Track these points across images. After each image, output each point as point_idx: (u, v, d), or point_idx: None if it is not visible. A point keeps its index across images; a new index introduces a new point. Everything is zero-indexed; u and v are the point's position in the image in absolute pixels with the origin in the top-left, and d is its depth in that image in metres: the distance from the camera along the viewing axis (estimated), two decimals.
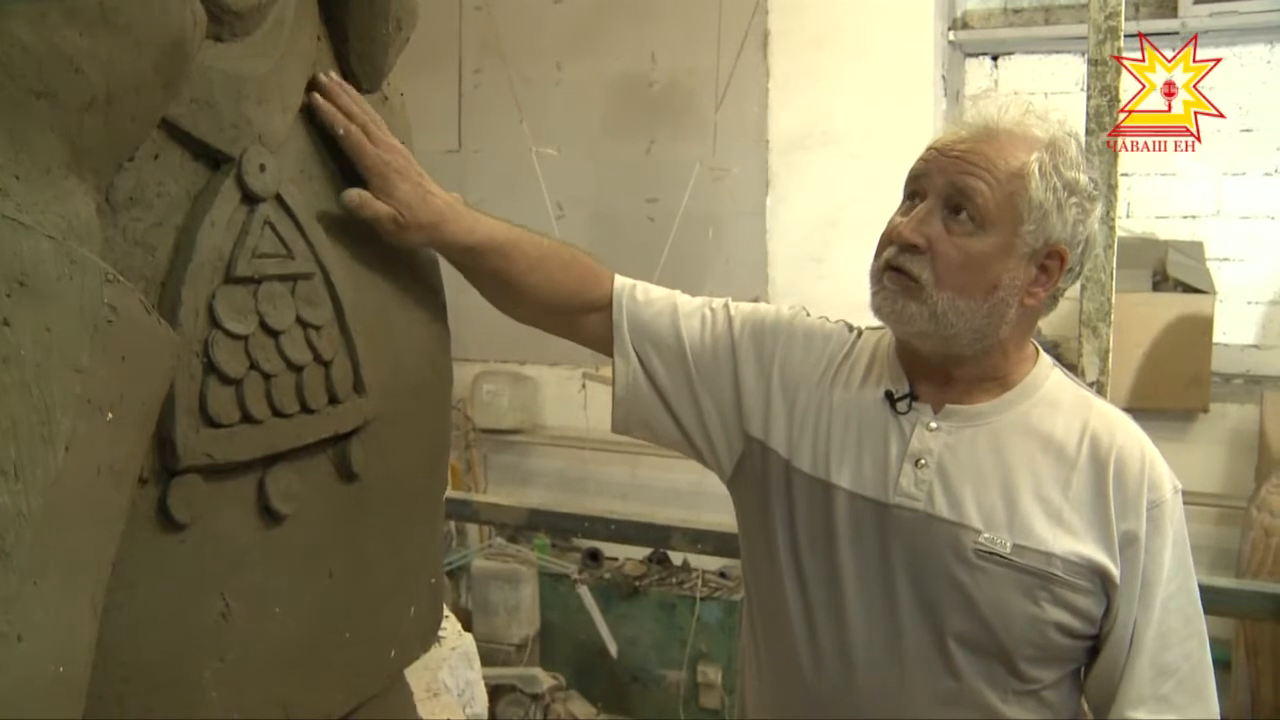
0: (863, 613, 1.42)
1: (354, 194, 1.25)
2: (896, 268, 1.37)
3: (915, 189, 1.40)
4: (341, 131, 1.23)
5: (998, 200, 1.34)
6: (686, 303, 1.62)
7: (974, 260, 1.35)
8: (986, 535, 1.36)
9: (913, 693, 1.40)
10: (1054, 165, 1.36)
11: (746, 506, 1.59)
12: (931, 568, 1.38)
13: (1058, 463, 1.40)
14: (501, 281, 1.52)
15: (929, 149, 1.40)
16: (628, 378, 1.59)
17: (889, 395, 1.46)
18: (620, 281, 1.60)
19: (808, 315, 1.62)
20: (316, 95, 1.22)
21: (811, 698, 1.47)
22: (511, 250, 1.49)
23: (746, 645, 1.63)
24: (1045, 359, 1.48)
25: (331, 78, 1.24)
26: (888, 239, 1.41)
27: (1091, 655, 1.42)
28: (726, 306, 1.62)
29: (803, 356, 1.55)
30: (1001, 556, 1.35)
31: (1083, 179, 1.38)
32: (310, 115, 1.22)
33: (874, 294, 1.41)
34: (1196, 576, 1.42)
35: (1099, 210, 1.42)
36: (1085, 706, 1.49)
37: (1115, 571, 1.36)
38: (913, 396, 1.45)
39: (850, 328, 1.59)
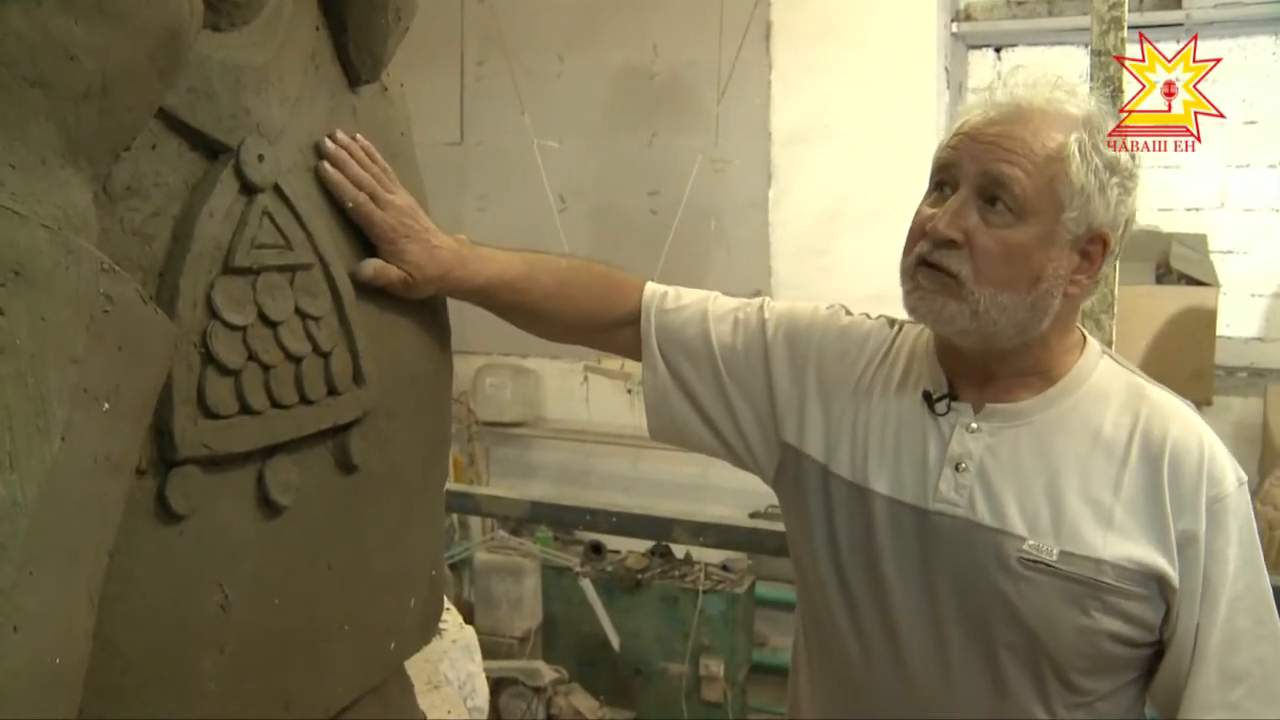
0: (910, 619, 1.36)
1: (368, 267, 1.27)
2: (932, 264, 1.30)
3: (944, 178, 1.32)
4: (351, 205, 1.24)
5: (1037, 187, 1.26)
6: (719, 306, 1.58)
7: (1015, 252, 1.27)
8: (1031, 543, 1.29)
9: (961, 702, 1.35)
10: (1093, 144, 1.28)
11: (789, 511, 1.54)
12: (974, 577, 1.32)
13: (1108, 460, 1.31)
14: (520, 312, 1.52)
15: (957, 134, 1.32)
16: (656, 388, 1.56)
17: (927, 396, 1.40)
18: (650, 290, 1.57)
19: (848, 314, 1.55)
20: (326, 166, 1.21)
21: (866, 701, 1.42)
22: (523, 283, 1.49)
23: (799, 647, 1.58)
24: (1094, 346, 1.41)
25: (340, 139, 1.23)
26: (918, 232, 1.32)
27: (1157, 660, 1.33)
28: (761, 309, 1.56)
29: (838, 359, 1.49)
30: (1047, 565, 1.28)
31: (1123, 156, 1.30)
32: (310, 105, 1.21)
33: (908, 293, 1.33)
34: None
35: (1139, 188, 1.34)
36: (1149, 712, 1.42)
37: (1173, 574, 1.27)
38: (952, 396, 1.38)
39: (891, 323, 1.52)
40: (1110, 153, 1.29)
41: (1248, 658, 1.29)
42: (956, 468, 1.35)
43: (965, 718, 1.36)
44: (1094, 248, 1.31)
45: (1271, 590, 1.32)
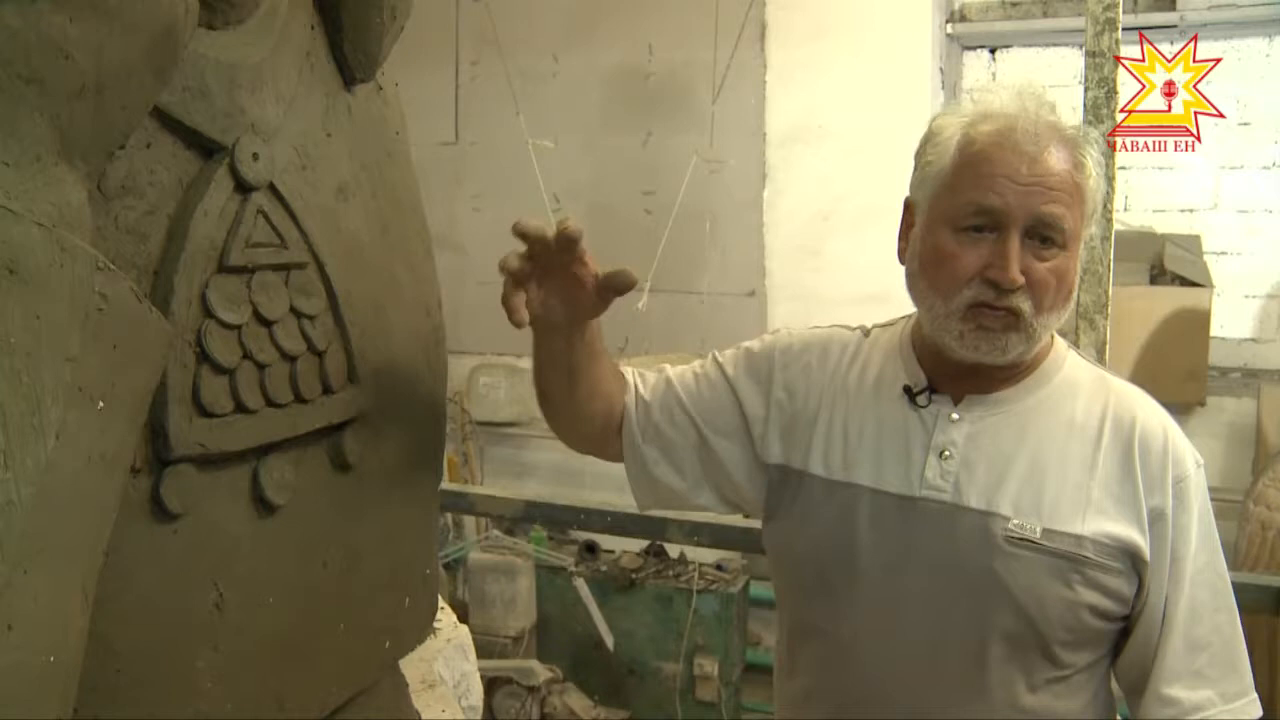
0: (896, 604, 1.41)
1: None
2: (997, 307, 1.35)
3: (988, 222, 1.34)
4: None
5: (1074, 218, 1.35)
6: (675, 370, 1.63)
7: (1063, 279, 1.36)
8: (1016, 522, 1.36)
9: (947, 679, 1.39)
10: (1098, 157, 1.37)
11: (776, 535, 1.57)
12: (963, 557, 1.37)
13: (1082, 444, 1.39)
14: (569, 393, 1.53)
15: (998, 177, 1.33)
16: (637, 459, 1.59)
17: (908, 390, 1.45)
18: (629, 377, 1.61)
19: (792, 331, 1.61)
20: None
21: (853, 684, 1.46)
22: (606, 365, 1.54)
23: (779, 659, 1.62)
24: (1060, 342, 1.48)
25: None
26: (964, 276, 1.35)
27: (1123, 636, 1.41)
28: (713, 358, 1.62)
29: (803, 371, 1.54)
30: (1032, 542, 1.35)
31: (1104, 149, 1.42)
32: (304, 104, 1.21)
33: (966, 333, 1.36)
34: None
35: None
36: (1115, 687, 1.49)
37: (1146, 549, 1.35)
38: (931, 389, 1.44)
39: (851, 329, 1.58)
40: (1101, 153, 1.39)
41: (1208, 627, 1.38)
42: (941, 455, 1.41)
43: (950, 693, 1.40)
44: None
45: (1225, 564, 1.42)
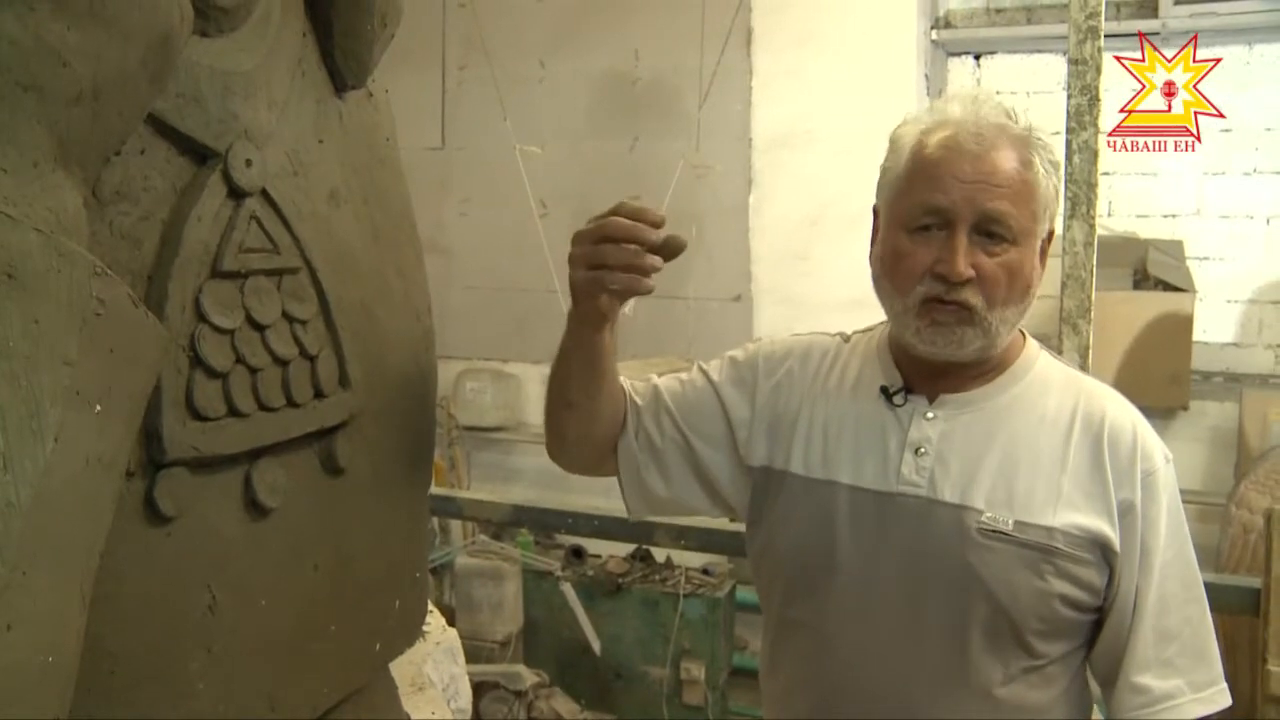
0: (874, 598, 1.44)
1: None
2: (946, 301, 1.38)
3: (937, 221, 1.38)
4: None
5: (1023, 214, 1.38)
6: (663, 378, 1.66)
7: (1015, 274, 1.38)
8: (989, 515, 1.39)
9: (926, 669, 1.42)
10: (1048, 159, 1.40)
11: (759, 537, 1.59)
12: (938, 549, 1.41)
13: (1053, 439, 1.43)
14: (594, 392, 1.54)
15: (944, 177, 1.38)
16: (629, 462, 1.61)
17: (884, 390, 1.49)
18: (629, 389, 1.62)
19: (774, 339, 1.65)
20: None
21: (836, 678, 1.48)
22: (614, 369, 1.54)
23: (763, 658, 1.64)
24: (1032, 342, 1.52)
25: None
26: (917, 273, 1.39)
27: (1097, 629, 1.44)
28: (698, 367, 1.65)
29: (785, 373, 1.58)
30: (1004, 534, 1.38)
31: (1050, 147, 1.43)
32: (296, 110, 1.22)
33: (922, 328, 1.40)
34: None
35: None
36: (1090, 679, 1.51)
37: (1116, 540, 1.39)
38: (907, 389, 1.48)
39: (831, 335, 1.62)
40: (1054, 159, 1.42)
41: (1178, 618, 1.42)
42: (916, 452, 1.45)
43: (929, 682, 1.42)
44: (1046, 242, 1.45)
45: (1195, 557, 1.46)
